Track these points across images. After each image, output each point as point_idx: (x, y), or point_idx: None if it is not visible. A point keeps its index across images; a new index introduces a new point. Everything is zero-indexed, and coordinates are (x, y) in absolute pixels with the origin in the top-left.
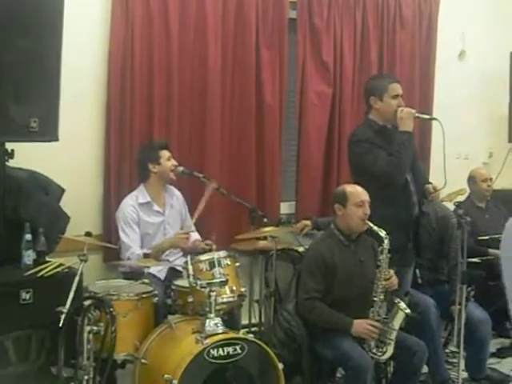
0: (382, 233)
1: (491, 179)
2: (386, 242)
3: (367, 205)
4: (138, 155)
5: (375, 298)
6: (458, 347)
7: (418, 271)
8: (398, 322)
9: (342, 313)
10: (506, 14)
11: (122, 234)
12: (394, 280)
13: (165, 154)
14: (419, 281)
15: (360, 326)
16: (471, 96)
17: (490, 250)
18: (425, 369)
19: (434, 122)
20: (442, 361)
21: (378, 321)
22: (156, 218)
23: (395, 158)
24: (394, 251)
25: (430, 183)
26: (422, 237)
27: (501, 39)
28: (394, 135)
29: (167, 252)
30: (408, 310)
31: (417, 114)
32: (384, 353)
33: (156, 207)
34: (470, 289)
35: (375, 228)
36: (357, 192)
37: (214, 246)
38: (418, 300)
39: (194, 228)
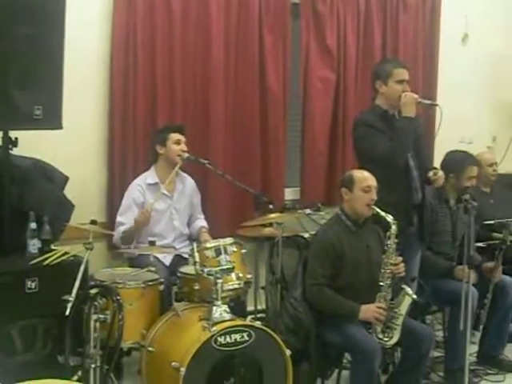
0: (389, 217)
1: (496, 163)
2: (394, 227)
3: (374, 190)
4: (151, 137)
5: (382, 283)
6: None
7: None
8: (404, 307)
9: (349, 299)
10: None
11: (119, 213)
12: (402, 267)
13: (173, 136)
14: None
15: (367, 310)
16: (474, 79)
17: (494, 234)
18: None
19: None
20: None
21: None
22: (162, 203)
23: (394, 142)
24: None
25: (436, 168)
26: (426, 223)
27: (504, 22)
28: (396, 121)
29: (173, 238)
30: (414, 296)
31: (419, 100)
32: (390, 338)
33: (164, 190)
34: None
35: (382, 213)
36: (364, 177)
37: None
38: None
39: (202, 216)
